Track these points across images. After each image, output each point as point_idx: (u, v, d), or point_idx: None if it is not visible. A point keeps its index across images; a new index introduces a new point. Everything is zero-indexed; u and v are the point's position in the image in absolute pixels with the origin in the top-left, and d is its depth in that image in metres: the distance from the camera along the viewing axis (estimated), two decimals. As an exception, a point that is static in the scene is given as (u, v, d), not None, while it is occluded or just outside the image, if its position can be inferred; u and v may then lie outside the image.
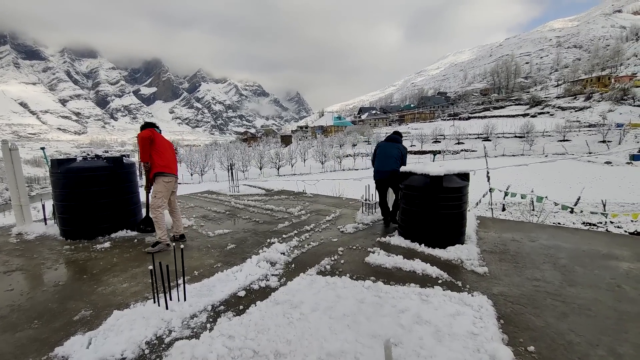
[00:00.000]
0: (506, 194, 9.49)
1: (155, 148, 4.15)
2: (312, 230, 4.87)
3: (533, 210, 14.07)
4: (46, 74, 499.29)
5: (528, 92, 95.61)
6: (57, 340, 2.30)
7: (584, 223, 12.27)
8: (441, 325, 2.29)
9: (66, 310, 2.72)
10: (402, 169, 4.41)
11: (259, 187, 9.27)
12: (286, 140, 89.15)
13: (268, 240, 4.39)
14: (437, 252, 3.79)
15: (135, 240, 4.64)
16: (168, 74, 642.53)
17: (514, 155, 50.20)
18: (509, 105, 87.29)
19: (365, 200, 5.84)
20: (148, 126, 4.28)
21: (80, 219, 4.63)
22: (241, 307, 2.68)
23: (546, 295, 2.80)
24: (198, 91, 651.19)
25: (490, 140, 57.67)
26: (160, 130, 4.45)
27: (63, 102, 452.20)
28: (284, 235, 4.61)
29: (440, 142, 63.59)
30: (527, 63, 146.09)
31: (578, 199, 15.11)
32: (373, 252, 3.80)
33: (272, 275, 3.27)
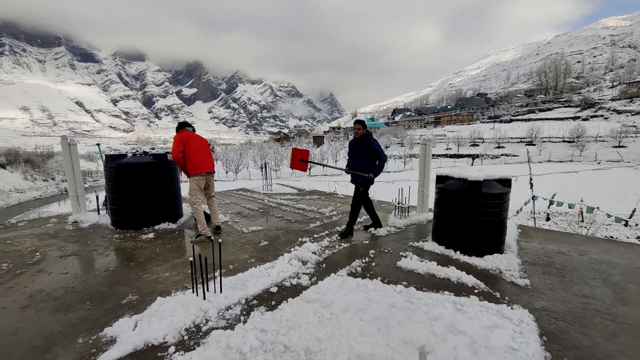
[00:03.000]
0: (551, 202, 8.88)
1: (186, 153, 4.44)
2: (343, 232, 4.87)
3: (582, 221, 12.99)
4: (100, 76, 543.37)
5: (579, 93, 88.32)
6: (106, 321, 2.50)
7: (639, 238, 11.14)
8: (477, 336, 2.20)
9: (115, 294, 2.96)
10: (438, 172, 4.28)
11: (292, 187, 9.43)
12: (318, 140, 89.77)
13: (300, 239, 4.46)
14: (474, 260, 3.64)
15: (176, 232, 4.93)
16: (208, 76, 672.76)
17: (561, 162, 46.65)
18: (557, 108, 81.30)
19: (398, 203, 5.74)
20: (182, 126, 4.62)
21: (129, 211, 5.00)
22: (273, 302, 2.76)
23: (595, 313, 2.59)
24: (235, 92, 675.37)
25: (534, 145, 54.08)
26: (193, 129, 4.74)
27: (114, 102, 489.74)
28: (315, 235, 4.66)
29: (478, 145, 60.72)
30: (578, 62, 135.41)
31: (633, 211, 13.73)
32: (405, 257, 3.73)
33: (304, 273, 3.33)
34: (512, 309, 2.59)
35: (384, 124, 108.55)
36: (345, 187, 14.40)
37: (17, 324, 2.49)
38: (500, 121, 79.40)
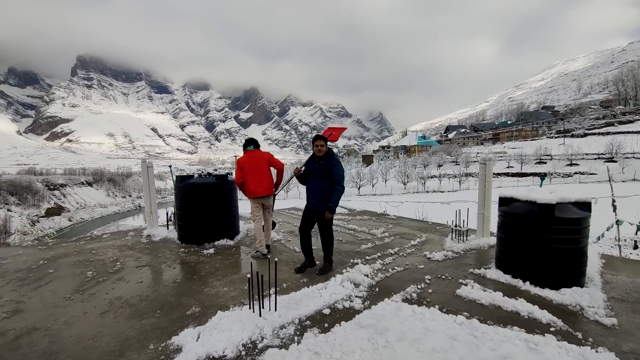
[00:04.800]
0: (639, 228, 7.64)
1: (245, 178, 4.72)
2: (397, 254, 4.71)
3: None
4: (171, 105, 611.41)
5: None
6: (173, 330, 2.70)
7: None
8: (556, 382, 1.94)
9: (181, 304, 3.19)
10: (501, 194, 3.97)
11: (341, 206, 9.44)
12: (367, 159, 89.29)
13: (351, 261, 4.41)
14: (548, 293, 3.25)
15: (234, 249, 5.20)
16: (263, 100, 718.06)
17: (651, 181, 40.21)
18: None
19: (456, 226, 5.41)
20: (248, 144, 4.92)
21: (193, 227, 5.43)
22: (326, 325, 2.74)
23: None
24: (287, 114, 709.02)
25: (615, 162, 47.55)
26: (258, 145, 4.97)
27: (182, 127, 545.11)
28: (367, 257, 4.57)
29: (546, 163, 55.19)
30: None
31: None
32: (466, 285, 3.47)
33: (356, 296, 3.26)
34: (596, 352, 2.25)
35: (436, 141, 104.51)
36: (397, 207, 13.98)
37: (96, 328, 2.78)
38: (572, 135, 71.69)
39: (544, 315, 2.79)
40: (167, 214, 6.46)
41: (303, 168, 4.23)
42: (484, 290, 3.30)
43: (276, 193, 5.09)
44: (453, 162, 66.21)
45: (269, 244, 5.02)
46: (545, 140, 71.90)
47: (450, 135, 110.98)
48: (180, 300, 3.28)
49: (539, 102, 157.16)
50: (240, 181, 4.76)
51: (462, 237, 5.28)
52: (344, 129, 5.24)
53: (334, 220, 7.18)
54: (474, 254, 4.71)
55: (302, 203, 5.45)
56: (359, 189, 53.23)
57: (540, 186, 4.34)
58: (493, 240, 4.98)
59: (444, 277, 3.80)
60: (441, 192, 45.73)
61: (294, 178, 4.47)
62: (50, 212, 63.68)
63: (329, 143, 4.16)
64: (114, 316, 2.99)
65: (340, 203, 10.98)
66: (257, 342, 2.51)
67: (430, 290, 3.41)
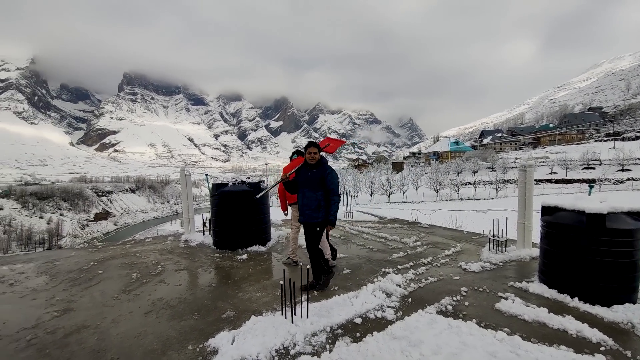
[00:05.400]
0: None
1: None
2: (430, 264, 4.58)
3: None
4: (206, 116, 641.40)
5: None
6: (210, 333, 2.80)
7: None
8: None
9: (216, 308, 3.31)
10: (545, 202, 3.74)
11: (372, 214, 9.35)
12: (398, 166, 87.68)
13: (383, 270, 4.35)
14: (598, 310, 3.00)
15: (265, 255, 5.32)
16: (292, 109, 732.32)
17: None
18: None
19: (493, 236, 5.16)
20: (295, 154, 4.94)
21: (227, 233, 5.63)
22: (357, 334, 2.71)
23: None
24: (316, 122, 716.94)
25: (678, 167, 42.94)
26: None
27: (216, 136, 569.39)
28: (399, 266, 4.48)
29: (594, 168, 51.10)
30: None
31: None
32: (506, 299, 3.29)
33: (388, 306, 3.21)
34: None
35: (470, 147, 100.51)
36: (429, 216, 13.58)
37: (140, 327, 2.96)
38: (623, 139, 65.93)
39: (594, 334, 2.58)
40: (203, 220, 6.75)
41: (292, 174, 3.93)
42: (527, 306, 3.11)
43: None
44: (489, 168, 63.21)
45: (327, 258, 4.56)
46: (593, 143, 66.64)
47: (486, 140, 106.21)
48: (216, 304, 3.40)
49: (584, 103, 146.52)
50: (282, 187, 4.73)
51: (500, 248, 5.02)
52: (344, 142, 5.13)
53: (364, 229, 7.14)
54: (514, 266, 4.45)
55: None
56: (389, 196, 52.29)
57: (589, 194, 4.04)
58: (535, 252, 4.69)
59: (481, 289, 3.63)
60: (476, 199, 43.74)
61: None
62: (98, 217, 68.77)
63: (323, 153, 3.93)
64: (156, 316, 3.16)
65: (371, 210, 10.83)
66: (290, 348, 2.54)
67: (466, 303, 3.27)
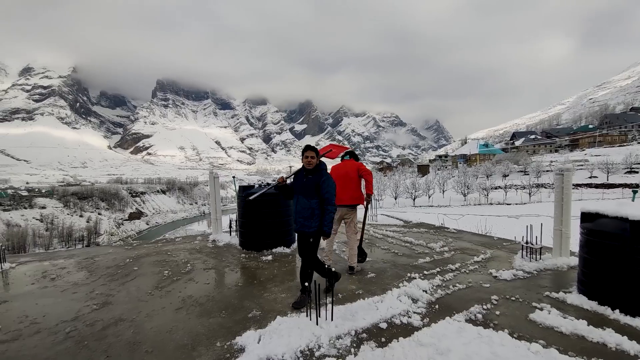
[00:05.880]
0: None
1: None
2: (458, 271, 4.43)
3: None
4: (233, 119, 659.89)
5: None
6: (237, 331, 2.87)
7: None
8: None
9: (243, 307, 3.39)
10: (584, 208, 3.53)
11: (397, 218, 9.19)
12: (423, 169, 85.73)
13: (408, 275, 4.27)
14: (639, 322, 2.80)
15: (290, 257, 5.38)
16: (316, 112, 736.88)
17: None
18: None
19: (527, 243, 4.92)
20: (346, 155, 4.80)
21: (253, 234, 5.75)
22: (383, 339, 2.68)
23: None
24: (340, 125, 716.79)
25: None
26: (355, 157, 4.80)
27: (242, 140, 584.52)
28: (425, 272, 4.37)
29: (637, 172, 47.37)
30: None
31: None
32: (541, 309, 3.13)
33: (414, 312, 3.14)
34: None
35: (500, 149, 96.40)
36: (456, 220, 13.14)
37: (172, 323, 3.08)
38: (674, 141, 60.61)
39: (633, 347, 2.42)
40: (229, 221, 6.94)
41: (289, 180, 3.74)
42: (564, 317, 2.94)
43: (365, 206, 4.80)
44: (521, 171, 60.31)
45: (351, 265, 4.44)
46: (636, 146, 61.86)
47: (517, 143, 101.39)
48: (243, 303, 3.48)
49: (626, 103, 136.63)
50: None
51: (534, 256, 4.77)
52: (346, 148, 5.00)
53: (389, 232, 7.03)
54: (550, 275, 4.22)
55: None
56: (414, 200, 51.20)
57: (633, 200, 3.76)
58: (573, 261, 4.43)
59: (513, 298, 3.47)
60: (507, 204, 41.82)
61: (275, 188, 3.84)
62: (132, 216, 72.50)
63: (323, 158, 3.76)
64: (186, 313, 3.29)
65: (395, 214, 10.65)
66: (315, 350, 2.55)
67: (497, 312, 3.14)
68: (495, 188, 51.55)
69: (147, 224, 72.21)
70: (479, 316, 3.05)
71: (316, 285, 2.81)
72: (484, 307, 3.24)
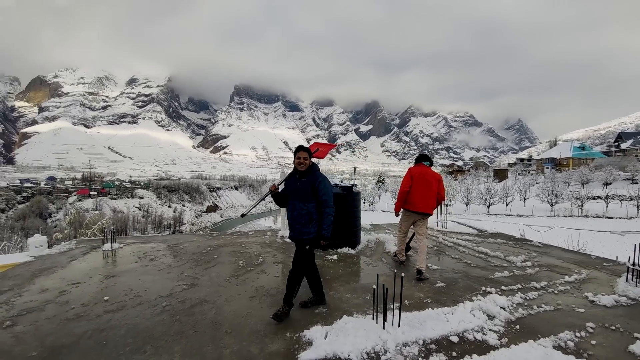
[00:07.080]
0: None
1: (412, 188, 4.63)
2: (544, 290, 3.95)
3: None
4: (300, 121, 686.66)
5: None
6: (305, 325, 3.01)
7: None
8: None
9: (310, 303, 3.53)
10: None
11: (470, 226, 8.54)
12: (500, 174, 77.70)
13: (483, 288, 3.95)
14: None
15: (355, 257, 5.42)
16: (383, 113, 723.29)
17: None
18: None
19: (634, 264, 4.15)
20: (419, 159, 4.87)
21: (319, 233, 5.93)
22: (454, 354, 2.55)
23: None
24: (407, 126, 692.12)
25: None
26: (429, 163, 4.81)
27: (308, 140, 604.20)
28: (503, 287, 4.00)
29: None
30: None
31: None
32: (651, 344, 2.63)
33: (490, 330, 2.91)
34: None
35: (601, 153, 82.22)
36: (541, 233, 11.65)
37: (247, 309, 3.37)
38: None
39: None
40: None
41: (281, 187, 3.59)
42: (686, 359, 2.43)
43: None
44: (628, 179, 50.63)
45: (419, 269, 4.37)
46: None
47: (625, 145, 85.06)
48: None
49: None
50: (406, 189, 4.62)
51: (646, 282, 4.00)
52: (334, 146, 4.67)
53: (460, 241, 6.58)
54: (668, 307, 3.50)
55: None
56: (488, 207, 46.78)
57: None
58: None
59: (613, 327, 2.98)
60: (608, 218, 35.55)
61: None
62: (209, 209, 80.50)
63: (314, 159, 3.67)
64: (259, 302, 3.56)
65: (467, 222, 9.90)
66: (380, 354, 2.55)
67: (593, 342, 2.73)
68: (593, 198, 44.11)
69: (221, 217, 79.37)
70: (570, 344, 2.70)
71: (384, 289, 2.80)
72: (577, 334, 2.85)
